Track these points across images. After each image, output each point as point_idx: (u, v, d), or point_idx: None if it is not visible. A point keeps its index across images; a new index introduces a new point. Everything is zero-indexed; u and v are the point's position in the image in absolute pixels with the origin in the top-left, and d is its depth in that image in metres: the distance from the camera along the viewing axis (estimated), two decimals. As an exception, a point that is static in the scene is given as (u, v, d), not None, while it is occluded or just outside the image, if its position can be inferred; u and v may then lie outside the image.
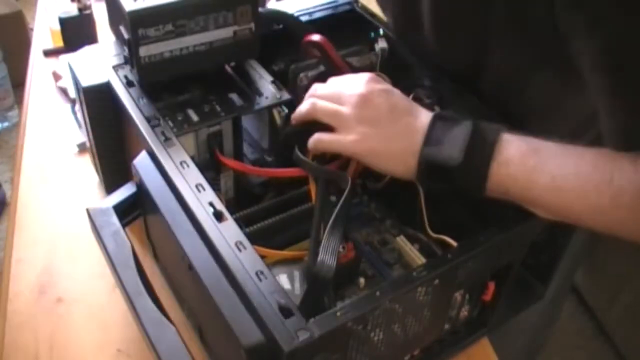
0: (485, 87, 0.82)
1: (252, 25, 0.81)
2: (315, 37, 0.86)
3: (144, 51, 0.76)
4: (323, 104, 0.73)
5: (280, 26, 0.93)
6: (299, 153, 0.77)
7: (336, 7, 0.99)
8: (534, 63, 0.75)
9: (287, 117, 0.82)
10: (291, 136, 0.80)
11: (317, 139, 0.73)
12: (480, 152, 0.64)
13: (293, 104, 0.81)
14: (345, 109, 0.71)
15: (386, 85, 0.73)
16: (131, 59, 0.78)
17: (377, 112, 0.69)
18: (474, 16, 0.73)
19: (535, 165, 0.63)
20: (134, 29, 0.74)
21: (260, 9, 0.83)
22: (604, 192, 0.60)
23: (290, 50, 0.91)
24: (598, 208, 0.62)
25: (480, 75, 0.82)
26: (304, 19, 0.94)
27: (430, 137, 0.67)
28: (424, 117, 0.69)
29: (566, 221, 0.66)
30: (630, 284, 1.69)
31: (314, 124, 0.75)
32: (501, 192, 0.66)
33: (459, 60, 0.83)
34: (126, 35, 0.76)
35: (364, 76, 0.73)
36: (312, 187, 0.77)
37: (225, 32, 0.80)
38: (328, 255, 0.65)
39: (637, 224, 0.61)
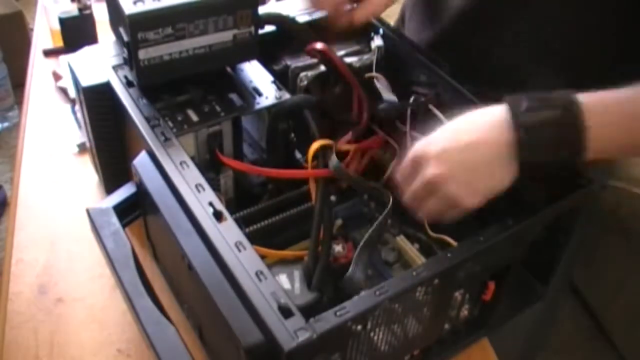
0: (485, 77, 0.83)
1: (252, 28, 0.81)
2: (319, 46, 0.86)
3: (143, 54, 0.76)
4: (428, 205, 0.71)
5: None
6: (341, 165, 0.77)
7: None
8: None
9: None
10: None
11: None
12: (569, 108, 0.64)
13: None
14: (437, 198, 0.69)
15: (434, 155, 0.68)
16: (130, 61, 0.78)
17: (461, 186, 0.67)
18: None
19: (624, 107, 0.65)
20: (134, 32, 0.74)
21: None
22: None
23: (290, 50, 0.91)
24: None
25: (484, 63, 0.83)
26: (303, 18, 0.94)
27: (522, 146, 0.65)
28: (499, 134, 0.66)
29: None
30: (630, 284, 1.69)
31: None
32: (604, 142, 0.65)
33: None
34: (126, 38, 0.76)
35: (418, 166, 0.70)
36: (312, 187, 0.77)
37: (225, 36, 0.80)
38: (359, 271, 0.66)
39: None
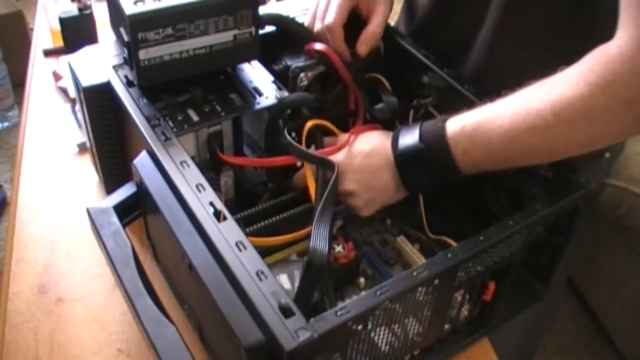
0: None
1: (253, 29, 0.81)
2: (319, 46, 0.87)
3: (143, 54, 0.76)
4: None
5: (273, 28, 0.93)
6: (288, 138, 0.80)
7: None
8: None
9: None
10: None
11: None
12: (445, 170, 0.73)
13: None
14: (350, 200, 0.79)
15: (354, 167, 0.78)
16: (131, 61, 0.78)
17: (362, 200, 0.78)
18: None
19: (487, 129, 0.70)
20: (134, 32, 0.74)
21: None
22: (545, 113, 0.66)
23: (290, 50, 0.91)
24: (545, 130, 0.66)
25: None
26: (304, 18, 0.94)
27: (406, 179, 0.76)
28: (388, 167, 0.77)
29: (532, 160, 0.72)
30: (630, 284, 1.69)
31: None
32: (475, 172, 0.73)
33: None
34: (126, 38, 0.76)
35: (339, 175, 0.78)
36: (311, 187, 0.77)
37: (226, 36, 0.80)
38: (319, 240, 0.66)
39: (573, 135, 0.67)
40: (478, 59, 0.90)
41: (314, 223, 0.68)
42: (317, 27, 0.90)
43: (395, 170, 0.76)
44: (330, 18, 0.88)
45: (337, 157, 0.79)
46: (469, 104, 0.74)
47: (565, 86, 0.65)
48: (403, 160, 0.75)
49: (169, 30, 0.76)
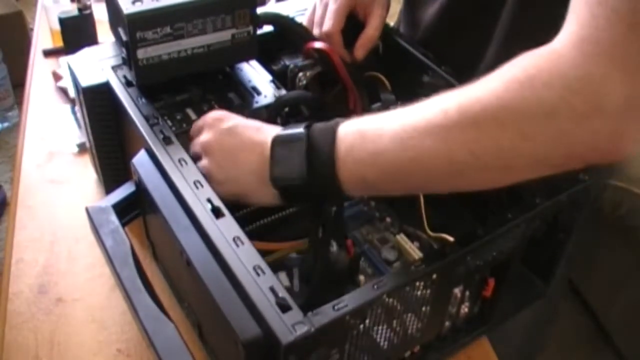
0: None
1: (251, 28, 0.81)
2: (319, 45, 0.87)
3: (141, 53, 0.76)
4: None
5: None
6: None
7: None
8: None
9: None
10: None
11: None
12: (321, 164, 0.62)
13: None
14: (203, 163, 0.71)
15: (221, 126, 0.72)
16: (129, 60, 0.78)
17: (216, 163, 0.70)
18: None
19: (381, 125, 0.60)
20: (132, 32, 0.75)
21: (258, 12, 0.83)
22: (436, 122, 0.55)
23: (289, 50, 0.91)
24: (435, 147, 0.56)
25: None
26: (302, 18, 0.94)
27: (274, 162, 0.65)
28: (264, 144, 0.67)
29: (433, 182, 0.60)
30: (630, 284, 1.69)
31: None
32: (361, 187, 0.63)
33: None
34: (124, 38, 0.76)
35: (206, 126, 0.73)
36: None
37: (224, 35, 0.80)
38: None
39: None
40: (486, 72, 0.88)
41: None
42: (315, 33, 0.91)
43: (266, 154, 0.66)
44: (328, 25, 0.88)
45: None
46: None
47: (480, 82, 0.55)
48: (277, 140, 0.66)
49: (167, 30, 0.76)
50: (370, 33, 0.90)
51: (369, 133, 0.60)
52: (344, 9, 0.88)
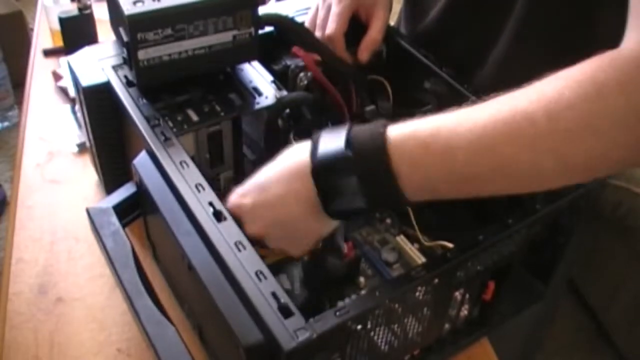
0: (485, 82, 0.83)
1: (252, 29, 0.81)
2: (299, 52, 0.87)
3: (142, 54, 0.76)
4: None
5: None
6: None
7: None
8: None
9: None
10: None
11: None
12: (370, 141, 0.56)
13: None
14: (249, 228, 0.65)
15: (246, 192, 0.66)
16: (130, 61, 0.78)
17: (273, 241, 0.65)
18: None
19: (449, 134, 0.55)
20: (133, 33, 0.74)
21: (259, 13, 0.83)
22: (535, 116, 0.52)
23: (290, 50, 0.91)
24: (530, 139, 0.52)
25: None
26: (304, 17, 0.94)
27: (327, 196, 0.59)
28: (302, 182, 0.60)
29: (511, 185, 0.56)
30: (630, 284, 1.69)
31: None
32: (429, 196, 0.57)
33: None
34: (125, 38, 0.76)
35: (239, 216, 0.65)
36: None
37: (225, 37, 0.80)
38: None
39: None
40: (493, 69, 0.88)
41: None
42: (318, 36, 0.90)
43: (313, 188, 0.59)
44: (331, 28, 0.88)
45: (234, 196, 0.67)
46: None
47: (566, 86, 0.51)
48: (320, 170, 0.58)
49: (168, 31, 0.76)
50: (373, 36, 0.90)
51: (436, 147, 0.54)
52: (347, 12, 0.88)
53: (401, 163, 0.55)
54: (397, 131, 0.56)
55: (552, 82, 0.53)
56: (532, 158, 0.52)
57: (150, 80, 0.79)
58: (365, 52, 0.89)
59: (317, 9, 0.92)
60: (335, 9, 0.88)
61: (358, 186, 0.56)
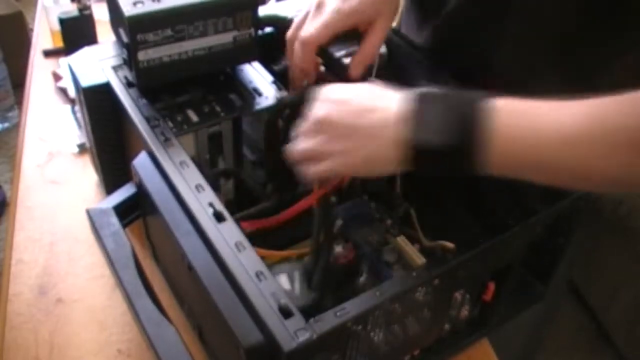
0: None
1: (252, 30, 0.81)
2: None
3: (142, 55, 0.76)
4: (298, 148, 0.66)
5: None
6: None
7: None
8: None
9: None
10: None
11: (305, 174, 0.66)
12: (473, 125, 0.56)
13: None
14: (309, 143, 0.64)
15: (339, 95, 0.64)
16: (130, 62, 0.78)
17: (335, 129, 0.62)
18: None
19: (537, 117, 0.55)
20: (133, 34, 0.74)
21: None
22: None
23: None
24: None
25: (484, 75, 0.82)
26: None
27: (417, 122, 0.58)
28: (395, 104, 0.60)
29: (585, 180, 0.56)
30: (630, 284, 1.69)
31: None
32: (509, 159, 0.56)
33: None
34: (125, 39, 0.76)
35: (316, 102, 0.65)
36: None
37: (225, 37, 0.80)
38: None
39: None
40: (500, 72, 0.86)
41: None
42: (288, 35, 0.81)
43: (407, 111, 0.58)
44: (308, 31, 0.77)
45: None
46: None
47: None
48: (423, 96, 0.59)
49: (168, 32, 0.76)
50: (367, 50, 0.81)
51: (528, 120, 0.55)
52: (335, 24, 0.78)
53: (498, 117, 0.55)
54: (503, 104, 0.56)
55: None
56: (604, 167, 0.53)
57: (150, 81, 0.79)
58: (357, 67, 0.81)
59: (310, 6, 0.81)
60: (325, 16, 0.77)
61: (453, 124, 0.56)
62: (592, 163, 0.53)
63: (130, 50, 0.76)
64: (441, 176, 0.59)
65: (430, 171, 0.59)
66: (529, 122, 0.55)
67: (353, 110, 0.62)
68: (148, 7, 0.74)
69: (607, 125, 0.52)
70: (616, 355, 1.79)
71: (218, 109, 0.81)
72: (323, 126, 0.62)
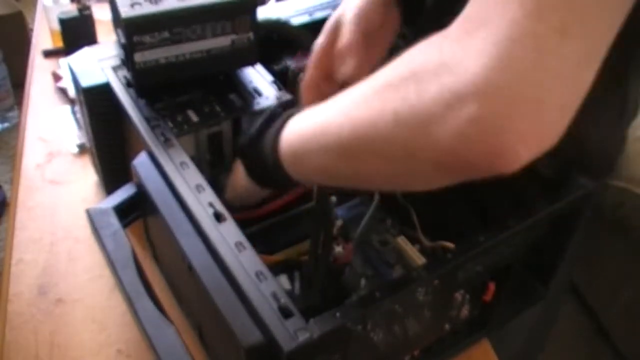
0: None
1: (251, 34, 0.81)
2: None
3: (139, 57, 0.76)
4: None
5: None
6: None
7: (336, 6, 0.98)
8: None
9: None
10: None
11: None
12: (269, 134, 0.64)
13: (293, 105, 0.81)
14: None
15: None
16: (127, 63, 0.78)
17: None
18: None
19: (314, 127, 0.58)
20: (129, 35, 0.74)
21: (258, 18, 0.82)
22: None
23: (290, 50, 0.91)
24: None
25: None
26: (304, 18, 0.94)
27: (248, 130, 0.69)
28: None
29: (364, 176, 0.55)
30: (630, 283, 1.69)
31: None
32: (293, 166, 0.62)
33: None
34: (122, 40, 0.76)
35: None
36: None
37: (223, 41, 0.80)
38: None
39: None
40: None
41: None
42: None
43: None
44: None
45: None
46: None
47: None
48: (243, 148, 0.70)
49: (165, 34, 0.76)
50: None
51: (300, 141, 0.60)
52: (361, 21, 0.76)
53: (286, 159, 0.62)
54: (289, 132, 0.62)
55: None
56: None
57: (147, 83, 0.79)
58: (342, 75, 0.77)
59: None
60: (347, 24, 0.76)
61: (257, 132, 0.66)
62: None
63: (127, 52, 0.76)
64: None
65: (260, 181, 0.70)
66: (300, 129, 0.61)
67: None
68: (145, 9, 0.74)
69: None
70: (616, 355, 1.79)
71: (218, 109, 0.81)
72: None
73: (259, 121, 0.67)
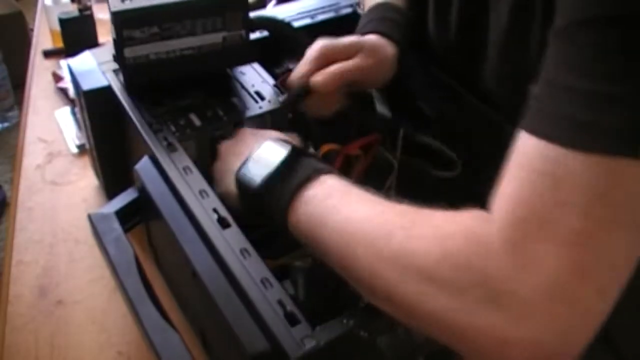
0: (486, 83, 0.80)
1: (243, 32, 0.80)
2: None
3: (128, 52, 0.75)
4: None
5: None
6: None
7: (338, 9, 0.99)
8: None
9: None
10: None
11: None
12: (283, 184, 0.62)
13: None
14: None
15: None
16: (118, 59, 0.77)
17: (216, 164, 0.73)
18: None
19: (334, 205, 0.58)
20: (119, 30, 0.74)
21: (251, 15, 0.82)
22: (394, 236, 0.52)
23: (292, 54, 0.91)
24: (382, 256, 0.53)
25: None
26: (305, 21, 0.94)
27: (248, 161, 0.66)
28: (252, 146, 0.68)
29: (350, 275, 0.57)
30: (630, 283, 1.68)
31: None
32: (297, 229, 0.61)
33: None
34: (112, 35, 0.76)
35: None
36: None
37: (214, 38, 0.79)
38: None
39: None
40: (494, 52, 0.83)
41: None
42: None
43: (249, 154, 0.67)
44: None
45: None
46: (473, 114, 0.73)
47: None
48: (240, 188, 0.66)
49: (155, 29, 0.75)
50: (333, 69, 0.78)
51: (318, 210, 0.59)
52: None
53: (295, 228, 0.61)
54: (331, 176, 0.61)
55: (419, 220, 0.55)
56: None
57: (138, 79, 0.79)
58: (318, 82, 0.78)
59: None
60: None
61: (267, 174, 0.63)
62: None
63: (117, 47, 0.75)
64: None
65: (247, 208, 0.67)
66: (327, 206, 0.58)
67: (234, 149, 0.73)
68: (135, 3, 0.74)
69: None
70: (616, 355, 1.79)
71: (220, 112, 0.80)
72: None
73: (276, 163, 0.63)
